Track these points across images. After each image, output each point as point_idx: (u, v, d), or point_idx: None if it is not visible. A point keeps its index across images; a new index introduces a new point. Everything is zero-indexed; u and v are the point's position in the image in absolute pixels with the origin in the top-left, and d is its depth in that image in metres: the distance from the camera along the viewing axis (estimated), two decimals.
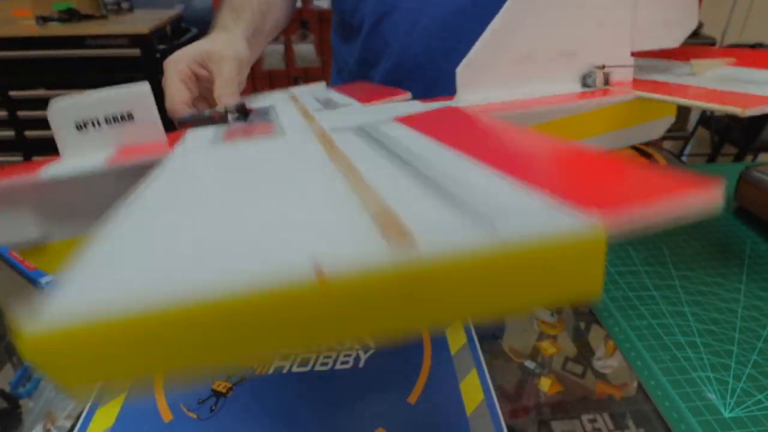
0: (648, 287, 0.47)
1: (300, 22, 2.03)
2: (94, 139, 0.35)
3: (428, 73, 0.67)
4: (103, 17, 2.00)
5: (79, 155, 0.34)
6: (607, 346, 0.55)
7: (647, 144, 1.35)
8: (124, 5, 2.13)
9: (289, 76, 2.19)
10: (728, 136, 1.69)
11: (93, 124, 0.34)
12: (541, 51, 0.41)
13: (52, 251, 0.35)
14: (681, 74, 0.46)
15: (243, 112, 0.39)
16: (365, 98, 0.45)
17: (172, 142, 0.36)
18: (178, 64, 0.47)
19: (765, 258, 0.52)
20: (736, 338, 0.42)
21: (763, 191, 0.54)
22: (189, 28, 2.17)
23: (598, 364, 0.58)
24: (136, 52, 1.82)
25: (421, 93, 0.69)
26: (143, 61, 1.84)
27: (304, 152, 0.27)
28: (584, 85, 0.43)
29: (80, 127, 0.34)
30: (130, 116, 0.35)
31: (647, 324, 0.43)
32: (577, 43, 0.41)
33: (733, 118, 1.30)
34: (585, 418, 0.37)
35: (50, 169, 0.32)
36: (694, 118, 2.33)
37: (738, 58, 0.48)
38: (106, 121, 0.35)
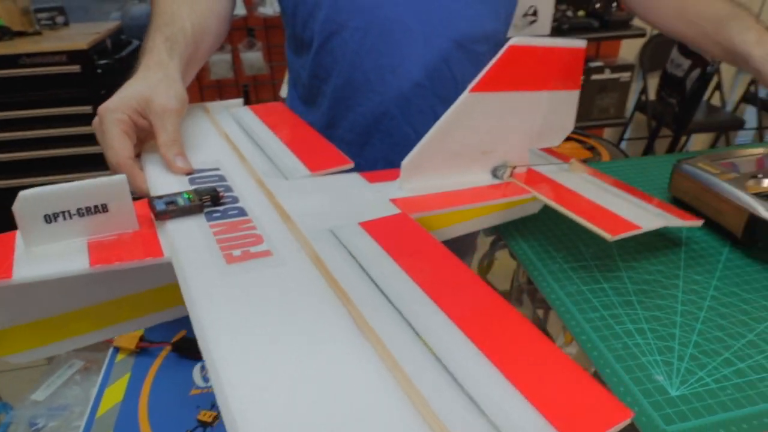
0: (599, 280, 0.52)
1: (246, 30, 2.01)
2: (64, 231, 0.33)
3: (377, 88, 0.69)
4: (37, 33, 1.92)
5: (47, 248, 0.33)
6: (566, 335, 0.59)
7: (588, 136, 1.43)
8: (59, 20, 2.05)
9: (238, 84, 2.17)
10: (663, 120, 1.80)
11: (64, 216, 0.33)
12: (467, 151, 0.50)
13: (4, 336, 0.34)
14: (560, 166, 0.58)
15: (215, 199, 0.39)
16: (312, 164, 0.48)
17: (148, 238, 0.35)
18: (116, 113, 0.45)
19: (699, 244, 0.57)
20: (678, 322, 0.46)
21: (694, 182, 0.59)
22: (130, 40, 2.11)
23: None
24: (75, 68, 1.76)
25: (373, 107, 0.71)
26: (84, 78, 1.78)
27: (324, 307, 0.30)
28: (494, 175, 0.53)
29: (50, 219, 0.33)
30: (105, 208, 0.34)
31: (600, 315, 0.47)
32: (493, 144, 0.51)
33: (666, 105, 1.39)
34: None
35: (23, 270, 0.31)
36: (631, 104, 2.45)
37: (589, 171, 0.59)
38: (79, 213, 0.33)
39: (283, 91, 2.06)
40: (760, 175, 0.57)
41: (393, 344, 0.27)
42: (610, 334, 0.45)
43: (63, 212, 0.33)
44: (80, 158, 1.88)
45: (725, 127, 2.42)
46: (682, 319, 0.47)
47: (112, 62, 1.90)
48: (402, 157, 0.75)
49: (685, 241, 0.58)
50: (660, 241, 0.58)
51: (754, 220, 0.52)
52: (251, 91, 2.26)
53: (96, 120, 0.47)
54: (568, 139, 1.38)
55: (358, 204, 0.43)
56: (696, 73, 1.13)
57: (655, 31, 2.44)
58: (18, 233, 0.34)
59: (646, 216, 0.49)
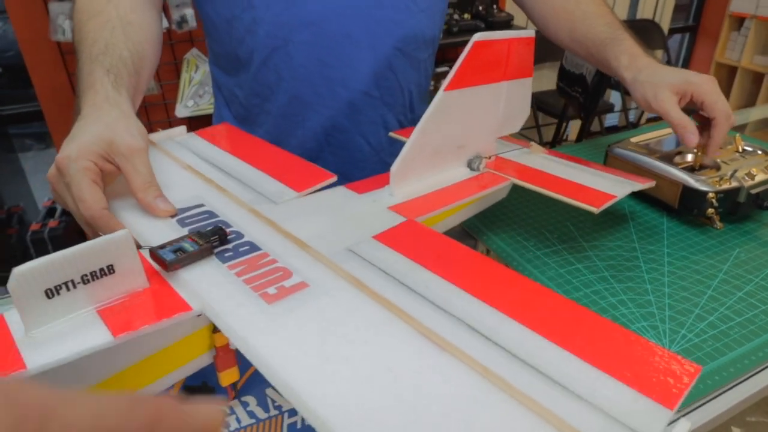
0: (572, 262, 0.55)
1: None
2: (69, 303, 0.29)
3: (327, 102, 0.69)
4: None
5: (53, 326, 0.29)
6: None
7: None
8: None
9: None
10: (568, 108, 1.96)
11: (67, 287, 0.29)
12: (446, 148, 0.51)
13: None
14: (523, 153, 0.61)
15: (222, 238, 0.36)
16: (295, 184, 0.47)
17: (165, 293, 0.32)
18: (81, 162, 0.40)
19: (643, 217, 0.64)
20: (649, 289, 0.51)
21: (628, 163, 0.66)
22: None
23: None
24: None
25: (322, 121, 0.70)
26: None
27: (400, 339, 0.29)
28: (470, 167, 0.55)
29: (52, 293, 0.28)
30: (111, 269, 0.30)
31: (584, 294, 0.51)
32: (467, 138, 0.53)
33: (570, 97, 1.52)
34: None
35: (36, 356, 0.27)
36: None
37: (546, 151, 0.63)
38: (84, 280, 0.30)
39: (179, 111, 1.95)
40: (682, 152, 0.65)
41: (474, 353, 0.27)
42: (598, 309, 0.49)
43: (66, 283, 0.29)
44: None
45: (599, 111, 2.70)
46: (651, 286, 0.52)
47: None
48: (356, 169, 0.75)
49: (631, 216, 0.64)
50: (611, 219, 0.63)
51: (687, 190, 0.60)
52: (141, 112, 2.11)
53: (53, 173, 0.42)
54: None
55: (361, 218, 0.43)
56: (593, 69, 1.26)
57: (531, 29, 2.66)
58: (7, 314, 0.29)
59: (613, 185, 0.52)
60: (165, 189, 0.44)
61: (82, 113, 0.46)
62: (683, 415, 0.33)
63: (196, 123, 2.05)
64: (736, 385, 0.42)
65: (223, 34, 0.69)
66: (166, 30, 1.83)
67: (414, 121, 0.79)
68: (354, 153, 0.74)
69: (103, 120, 0.44)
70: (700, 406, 0.40)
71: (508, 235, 0.60)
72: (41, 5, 1.69)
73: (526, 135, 2.97)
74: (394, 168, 0.47)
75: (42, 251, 1.85)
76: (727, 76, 3.36)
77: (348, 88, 0.69)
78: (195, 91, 1.92)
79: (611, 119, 3.23)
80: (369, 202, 0.46)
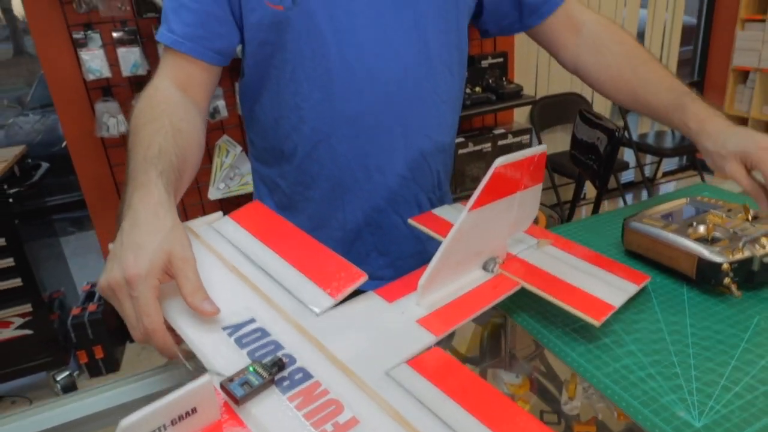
0: (599, 336, 0.59)
1: None
2: None
3: (365, 186, 0.76)
4: None
5: None
6: (569, 389, 0.65)
7: None
8: None
9: None
10: (584, 176, 2.02)
11: (159, 431, 0.35)
12: (466, 257, 0.58)
13: None
14: (530, 245, 0.67)
15: (281, 368, 0.42)
16: (331, 287, 0.52)
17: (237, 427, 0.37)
18: (150, 280, 0.45)
19: (664, 289, 0.67)
20: (675, 362, 0.54)
21: (644, 236, 0.70)
22: (39, 163, 2.03)
23: (566, 408, 0.68)
24: None
25: (361, 204, 0.76)
26: None
27: None
28: (485, 269, 0.60)
29: None
30: (194, 410, 0.36)
31: (613, 369, 0.54)
32: (484, 245, 0.59)
33: (585, 166, 1.58)
34: None
35: None
36: None
37: (553, 239, 0.69)
38: (172, 422, 0.35)
39: (211, 194, 2.05)
40: (694, 223, 0.69)
41: None
42: (628, 383, 0.52)
43: (159, 427, 0.34)
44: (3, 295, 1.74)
45: (615, 170, 2.75)
46: (677, 359, 0.55)
47: (23, 191, 1.81)
48: (392, 245, 0.81)
49: (652, 288, 0.67)
50: (634, 296, 0.67)
51: (702, 262, 0.63)
52: None
53: (119, 284, 0.46)
54: None
55: (393, 335, 0.48)
56: (604, 139, 1.33)
57: (539, 96, 2.79)
58: None
59: (613, 291, 0.59)
60: (210, 287, 0.48)
61: (136, 209, 0.51)
62: None
63: (227, 204, 2.16)
64: None
65: (269, 131, 0.77)
66: None
67: (441, 198, 0.85)
68: (390, 230, 0.80)
69: (162, 230, 0.49)
70: None
71: (537, 311, 0.64)
72: (87, 105, 1.86)
73: (543, 203, 3.03)
74: (422, 281, 0.53)
75: (82, 336, 1.92)
76: None
77: (384, 173, 0.76)
78: (226, 174, 2.04)
79: (627, 175, 3.28)
80: (398, 313, 0.52)
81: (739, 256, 0.62)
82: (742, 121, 3.33)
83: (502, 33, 0.84)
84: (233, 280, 0.53)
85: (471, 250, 0.57)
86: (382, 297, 0.54)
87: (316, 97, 0.70)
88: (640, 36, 3.13)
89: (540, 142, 2.80)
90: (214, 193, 2.04)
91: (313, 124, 0.72)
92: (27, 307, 1.80)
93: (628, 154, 3.23)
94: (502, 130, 2.31)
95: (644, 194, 3.30)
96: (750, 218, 0.70)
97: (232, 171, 2.06)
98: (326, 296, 0.51)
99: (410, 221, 0.72)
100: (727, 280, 0.62)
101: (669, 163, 3.52)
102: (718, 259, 0.62)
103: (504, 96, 2.23)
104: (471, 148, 2.23)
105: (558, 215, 2.65)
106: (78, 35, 1.71)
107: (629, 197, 3.16)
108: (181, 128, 0.63)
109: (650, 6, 3.04)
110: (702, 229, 0.68)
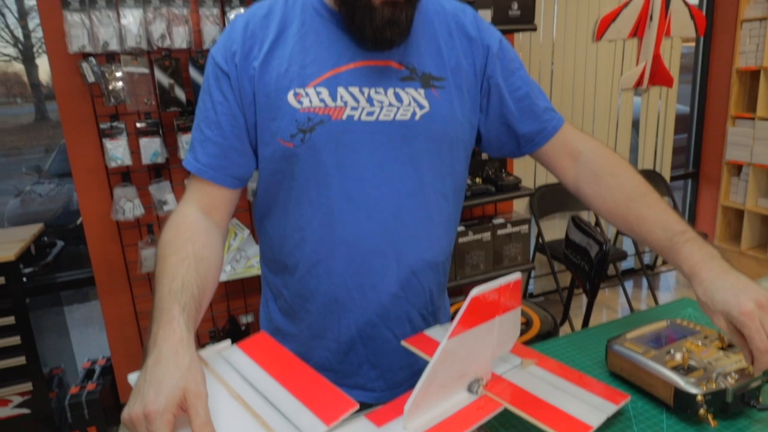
0: None
1: (147, 227, 2.04)
2: None
3: (360, 303, 0.81)
4: None
5: None
6: None
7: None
8: None
9: None
10: (576, 278, 2.07)
11: None
12: (450, 380, 0.61)
13: None
14: (514, 365, 0.71)
15: None
16: (325, 415, 0.56)
17: None
18: (166, 416, 0.51)
19: (644, 414, 0.70)
20: None
21: (626, 361, 0.74)
22: (54, 241, 2.10)
23: None
24: (0, 280, 1.71)
25: (356, 319, 0.81)
26: (8, 289, 1.72)
27: None
28: (470, 391, 0.64)
29: None
30: None
31: None
32: (467, 368, 0.63)
33: (577, 267, 1.64)
34: None
35: None
36: (531, 248, 2.77)
37: (538, 359, 0.72)
38: None
39: None
40: (672, 350, 0.73)
41: None
42: None
43: None
44: (4, 372, 1.75)
45: (613, 259, 2.80)
46: None
47: (38, 269, 1.87)
48: (383, 358, 0.85)
49: (633, 413, 0.70)
50: (614, 417, 0.70)
51: (678, 392, 0.67)
52: None
53: (139, 419, 0.52)
54: None
55: None
56: (595, 246, 1.39)
57: (538, 185, 2.89)
58: None
59: (592, 411, 0.62)
60: (216, 415, 0.53)
61: (160, 347, 0.58)
62: None
63: (232, 286, 2.21)
64: None
65: (275, 245, 0.84)
66: None
67: (434, 312, 0.90)
68: (383, 345, 0.85)
69: (180, 367, 0.55)
70: None
71: (519, 430, 0.67)
72: (107, 189, 1.95)
73: (543, 291, 3.05)
74: (407, 406, 0.56)
75: (78, 416, 1.91)
76: (735, 218, 3.50)
77: (378, 291, 0.81)
78: (233, 257, 2.10)
79: (627, 262, 3.32)
80: None
81: (712, 387, 0.65)
82: (738, 213, 3.41)
83: (503, 156, 0.92)
84: (238, 408, 0.58)
85: (454, 373, 0.61)
86: (371, 421, 0.58)
87: (318, 221, 0.77)
88: (634, 126, 3.27)
89: (539, 231, 2.87)
90: (220, 276, 2.09)
91: (313, 245, 0.79)
92: (28, 386, 1.80)
93: (627, 243, 3.29)
94: (501, 220, 2.38)
95: (644, 282, 3.33)
96: (725, 346, 0.74)
97: (239, 253, 2.12)
98: (320, 423, 0.55)
99: (403, 343, 0.77)
100: (702, 411, 0.65)
101: None
102: (693, 390, 0.66)
103: (503, 188, 2.32)
104: (471, 236, 2.30)
105: (560, 300, 2.67)
106: (105, 125, 1.84)
107: (629, 285, 3.19)
108: (203, 255, 0.70)
109: (644, 95, 3.20)
110: (679, 357, 0.72)
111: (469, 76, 0.81)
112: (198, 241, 0.71)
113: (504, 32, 2.28)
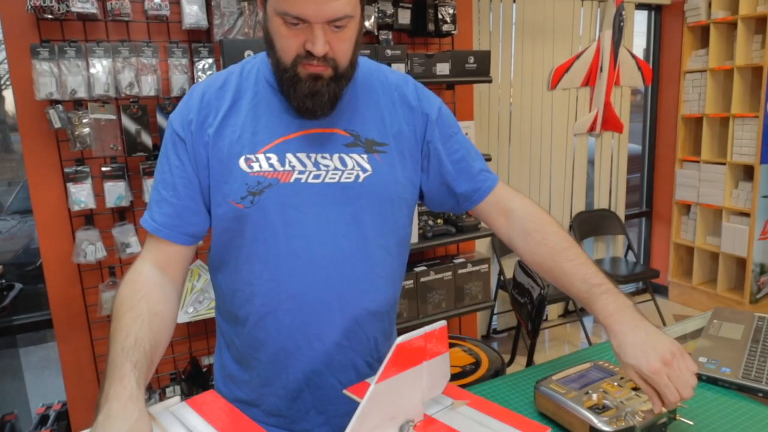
0: None
1: (109, 269, 2.05)
2: None
3: (306, 352, 0.86)
4: None
5: None
6: None
7: (465, 339, 1.68)
8: None
9: None
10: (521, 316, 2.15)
11: None
12: (380, 422, 0.65)
13: None
14: (446, 406, 0.75)
15: None
16: None
17: None
18: None
19: None
20: None
21: (550, 401, 0.81)
22: (12, 284, 2.09)
23: None
24: None
25: (303, 367, 0.86)
26: None
27: None
28: None
29: None
30: None
31: None
32: (396, 411, 0.67)
33: (521, 306, 1.72)
34: None
35: None
36: (493, 285, 2.85)
37: (470, 399, 0.76)
38: None
39: (180, 317, 2.11)
40: (590, 391, 0.80)
41: None
42: None
43: None
44: None
45: (555, 300, 2.90)
46: None
47: None
48: (329, 405, 0.90)
49: None
50: None
51: (592, 430, 0.73)
52: None
53: None
54: (452, 346, 1.61)
55: None
56: (537, 289, 1.48)
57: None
58: None
59: None
60: None
61: (110, 404, 0.62)
62: None
63: (194, 326, 2.22)
64: None
65: (227, 298, 0.89)
66: None
67: (379, 360, 0.94)
68: (328, 391, 0.89)
69: (128, 421, 0.61)
70: None
71: None
72: (69, 232, 1.96)
73: (508, 332, 3.11)
74: None
75: None
76: (686, 254, 3.67)
77: (323, 341, 0.86)
78: (196, 298, 2.12)
79: None
80: None
81: (622, 425, 0.72)
82: (689, 249, 3.58)
83: (445, 211, 0.99)
84: None
85: (384, 416, 0.66)
86: None
87: (266, 276, 0.83)
88: (590, 163, 3.44)
89: (501, 267, 2.97)
90: (182, 317, 2.09)
91: (262, 299, 0.84)
92: None
93: None
94: (462, 260, 2.46)
95: None
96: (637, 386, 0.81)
97: (202, 295, 2.14)
98: None
99: (345, 392, 0.81)
100: None
101: (626, 286, 3.70)
102: (605, 428, 0.72)
103: (463, 228, 2.41)
104: (432, 276, 2.36)
105: (527, 333, 2.73)
106: (69, 170, 1.87)
107: (588, 321, 3.29)
108: (157, 311, 0.76)
109: (597, 137, 3.38)
110: (595, 397, 0.79)
111: (410, 140, 0.89)
112: (152, 298, 0.76)
113: (461, 83, 2.43)
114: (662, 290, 3.73)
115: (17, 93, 1.83)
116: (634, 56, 3.34)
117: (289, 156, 0.81)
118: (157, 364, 0.73)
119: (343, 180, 0.82)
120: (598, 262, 3.40)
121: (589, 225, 3.44)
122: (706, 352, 1.01)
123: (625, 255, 3.57)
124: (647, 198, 3.90)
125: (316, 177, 0.81)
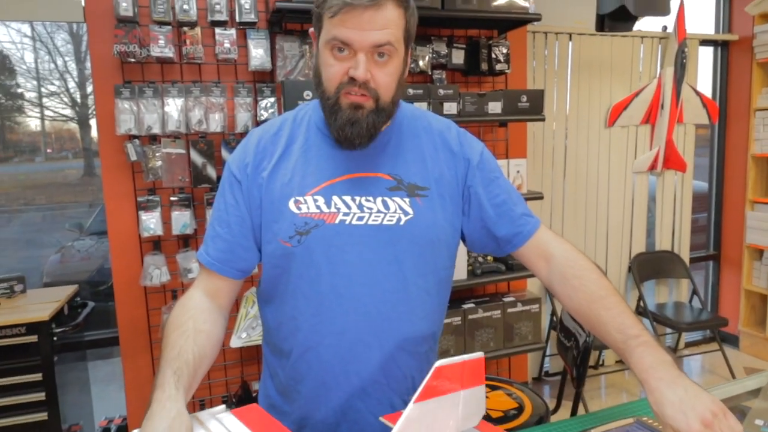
0: None
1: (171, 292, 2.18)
2: None
3: (345, 388, 0.89)
4: None
5: None
6: None
7: (511, 383, 1.65)
8: (17, 287, 2.17)
9: None
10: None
11: None
12: None
13: None
14: None
15: None
16: None
17: None
18: None
19: None
20: None
21: None
22: (85, 302, 2.25)
23: None
24: (33, 338, 1.84)
25: (341, 402, 0.89)
26: (39, 348, 1.85)
27: None
28: None
29: None
30: None
31: None
32: None
33: (567, 350, 1.67)
34: None
35: None
36: (545, 326, 2.77)
37: None
38: None
39: (233, 342, 2.19)
40: None
41: None
42: None
43: None
44: (26, 427, 1.84)
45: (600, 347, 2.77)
46: None
47: (69, 329, 2.00)
48: None
49: None
50: None
51: None
52: None
53: None
54: (496, 389, 1.59)
55: None
56: (583, 335, 1.44)
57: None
58: None
59: None
60: None
61: (152, 406, 0.70)
62: None
63: (246, 352, 2.30)
64: None
65: (273, 331, 0.94)
66: None
67: None
68: (364, 427, 0.91)
69: (167, 418, 0.67)
70: None
71: None
72: (138, 256, 2.11)
73: (554, 371, 3.00)
74: None
75: None
76: (759, 303, 3.43)
77: (361, 377, 0.89)
78: (249, 324, 2.20)
79: None
80: None
81: None
82: (762, 297, 3.34)
83: (487, 254, 1.01)
84: None
85: None
86: None
87: (309, 312, 0.87)
88: (652, 199, 3.30)
89: (553, 310, 2.89)
90: (235, 341, 2.18)
91: (305, 333, 0.88)
92: None
93: (645, 325, 3.24)
94: (512, 298, 2.43)
95: None
96: None
97: (255, 321, 2.22)
98: None
99: (381, 419, 0.84)
100: None
101: (691, 334, 3.49)
102: None
103: (513, 267, 2.38)
104: (481, 314, 2.34)
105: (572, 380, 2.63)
106: (142, 198, 2.02)
107: None
108: (202, 329, 0.83)
109: (659, 176, 3.25)
110: None
111: (451, 184, 0.92)
112: (199, 318, 0.83)
113: (514, 122, 2.43)
114: (732, 340, 3.49)
115: (101, 127, 2.02)
116: (698, 93, 3.23)
117: (335, 198, 0.86)
118: (203, 375, 0.80)
119: (385, 222, 0.86)
120: (660, 307, 3.23)
121: (649, 267, 3.29)
122: (764, 414, 0.96)
123: (690, 300, 3.38)
124: (715, 240, 3.69)
125: (360, 219, 0.86)
